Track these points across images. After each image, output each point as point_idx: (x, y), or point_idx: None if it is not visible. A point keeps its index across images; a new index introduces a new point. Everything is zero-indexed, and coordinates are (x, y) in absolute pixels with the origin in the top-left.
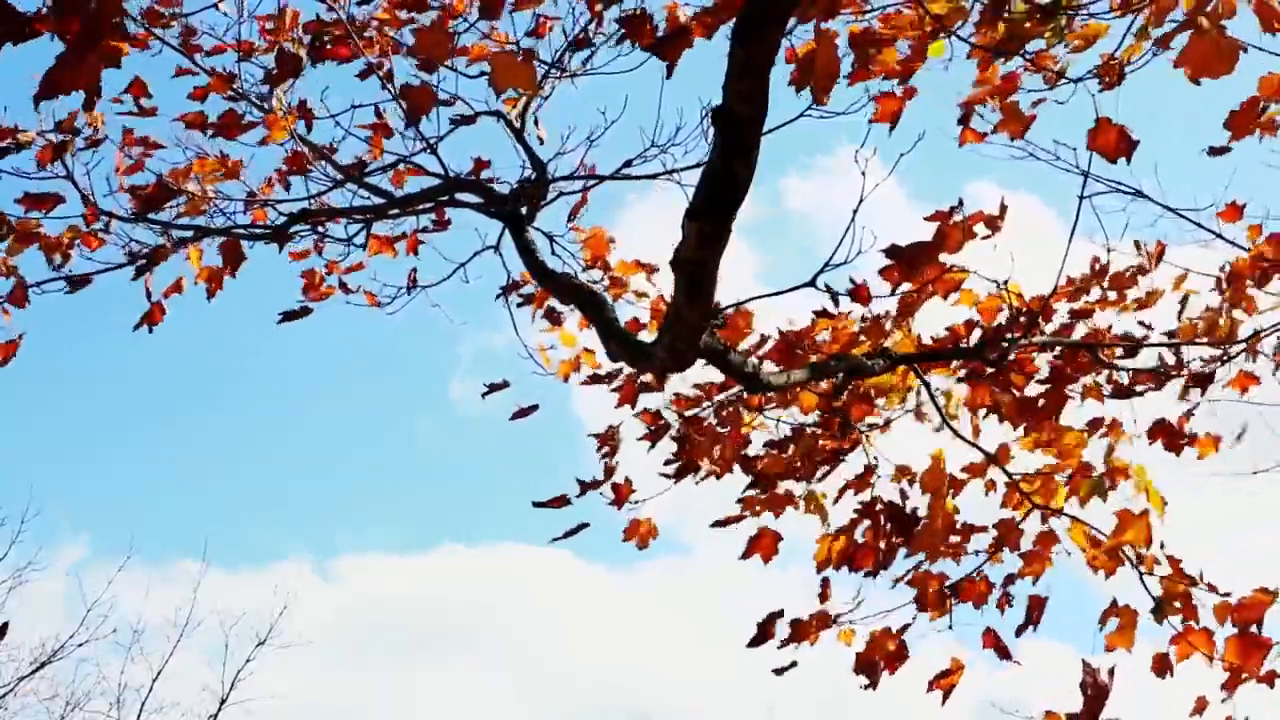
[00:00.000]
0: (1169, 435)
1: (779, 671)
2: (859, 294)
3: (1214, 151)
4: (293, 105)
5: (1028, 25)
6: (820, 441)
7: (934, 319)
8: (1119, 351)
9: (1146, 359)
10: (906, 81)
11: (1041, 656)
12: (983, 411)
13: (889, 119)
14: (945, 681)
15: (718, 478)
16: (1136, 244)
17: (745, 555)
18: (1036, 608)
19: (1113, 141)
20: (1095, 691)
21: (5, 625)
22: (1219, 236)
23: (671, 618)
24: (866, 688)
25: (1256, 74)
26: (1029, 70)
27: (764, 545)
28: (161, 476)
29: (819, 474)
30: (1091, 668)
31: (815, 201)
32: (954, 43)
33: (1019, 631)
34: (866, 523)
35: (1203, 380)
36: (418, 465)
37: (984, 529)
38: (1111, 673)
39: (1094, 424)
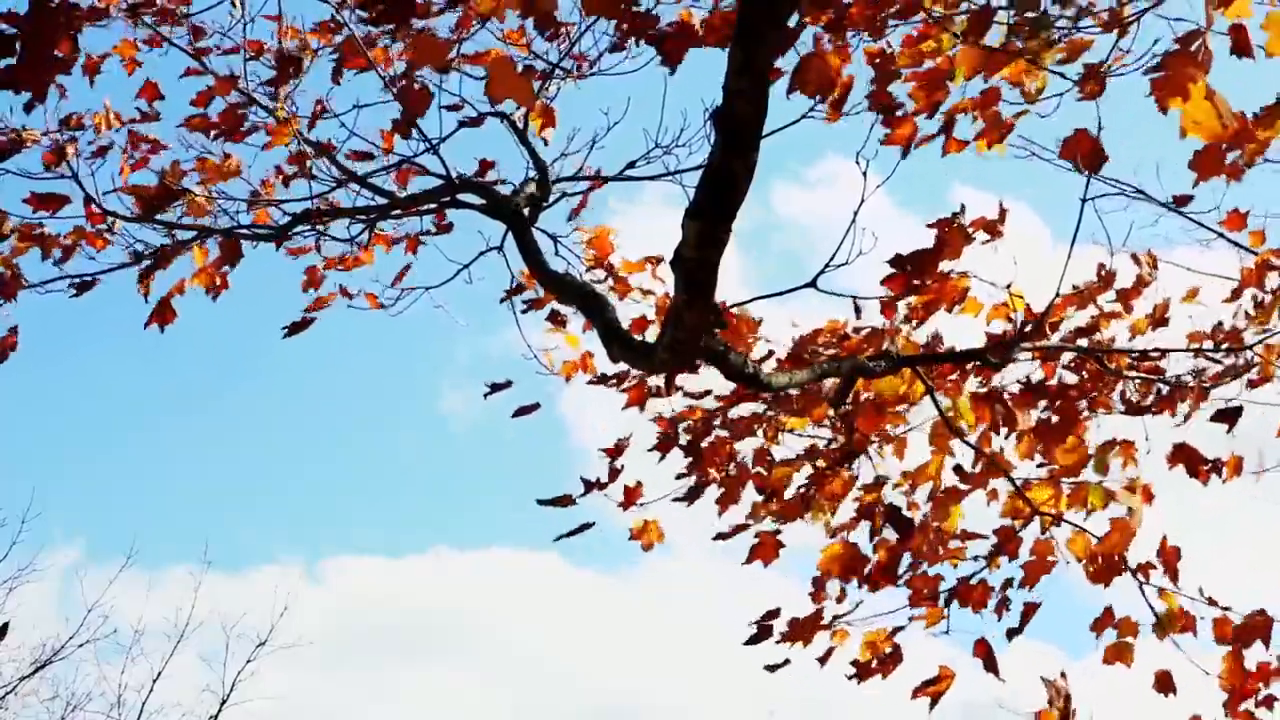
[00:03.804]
0: (1190, 459)
1: (771, 668)
2: (885, 314)
3: (1179, 201)
4: (296, 110)
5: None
6: (827, 465)
7: (944, 331)
8: (1130, 364)
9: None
10: (933, 114)
11: (1035, 659)
12: (1001, 432)
13: (903, 143)
14: (933, 690)
15: (734, 502)
16: (1135, 257)
17: (748, 561)
18: (1029, 614)
19: (1086, 153)
20: (1061, 701)
21: (6, 626)
22: (1221, 236)
23: (664, 622)
24: (853, 678)
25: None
26: (1010, 83)
27: (765, 551)
28: (153, 480)
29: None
30: (1050, 681)
31: (805, 209)
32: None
33: (1010, 635)
34: (865, 525)
35: (1230, 417)
36: (414, 468)
37: (983, 536)
38: (1064, 676)
39: (1107, 445)
